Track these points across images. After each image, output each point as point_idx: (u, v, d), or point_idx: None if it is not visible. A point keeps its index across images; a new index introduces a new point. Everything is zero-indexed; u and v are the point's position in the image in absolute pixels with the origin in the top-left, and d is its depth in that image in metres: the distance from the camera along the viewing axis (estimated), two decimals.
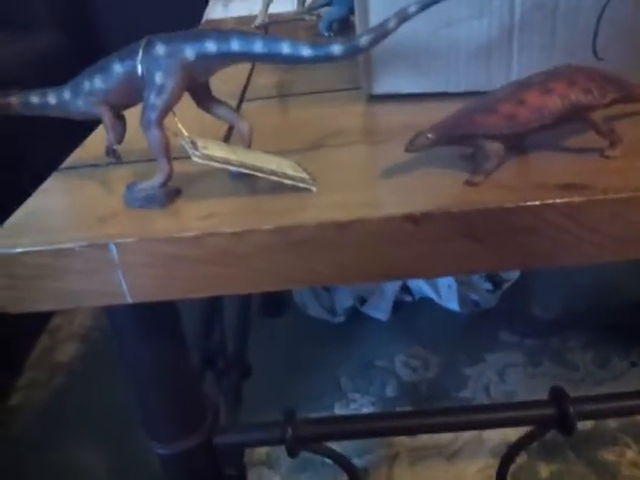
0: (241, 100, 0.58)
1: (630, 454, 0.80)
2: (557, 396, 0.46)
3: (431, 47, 0.48)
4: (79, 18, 1.40)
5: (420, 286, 1.11)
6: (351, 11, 0.69)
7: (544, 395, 0.48)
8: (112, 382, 0.98)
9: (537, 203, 0.32)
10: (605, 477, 0.77)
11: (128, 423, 0.86)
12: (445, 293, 1.09)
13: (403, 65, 0.49)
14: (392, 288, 1.10)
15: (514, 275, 1.13)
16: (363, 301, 1.10)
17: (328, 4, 0.84)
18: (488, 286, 1.11)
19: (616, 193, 0.32)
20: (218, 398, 0.52)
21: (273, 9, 0.91)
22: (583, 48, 0.47)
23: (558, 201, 0.32)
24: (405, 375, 0.97)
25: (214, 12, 1.06)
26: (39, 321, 1.16)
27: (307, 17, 0.92)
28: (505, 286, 1.11)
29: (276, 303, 1.13)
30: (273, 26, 0.90)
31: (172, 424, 0.43)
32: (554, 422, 0.46)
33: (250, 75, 0.67)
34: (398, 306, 1.10)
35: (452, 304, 1.08)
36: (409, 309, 1.11)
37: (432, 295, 1.11)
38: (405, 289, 1.12)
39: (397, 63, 0.49)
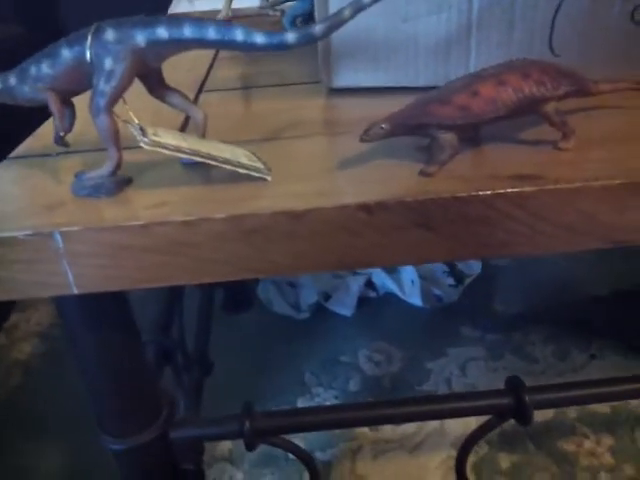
0: (200, 91, 0.57)
1: (588, 444, 0.82)
2: (514, 386, 0.47)
3: (390, 42, 0.48)
4: (43, 11, 1.37)
5: (384, 282, 1.12)
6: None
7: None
8: (71, 380, 0.96)
9: (489, 193, 0.32)
10: (564, 467, 0.79)
11: (88, 421, 0.84)
12: (409, 289, 1.10)
13: (362, 59, 0.49)
14: (356, 284, 1.10)
15: (476, 270, 1.15)
16: (328, 297, 1.10)
17: None
18: (450, 281, 1.12)
19: (567, 183, 0.33)
20: (176, 393, 0.51)
21: (237, 4, 0.90)
22: (540, 44, 0.47)
23: (509, 191, 0.32)
24: (368, 369, 0.97)
25: (179, 7, 1.05)
26: None
27: (271, 12, 0.91)
28: (467, 281, 1.12)
29: (240, 299, 1.12)
30: (236, 21, 0.89)
31: (125, 419, 0.43)
32: (511, 411, 0.46)
33: (211, 67, 0.66)
34: (362, 302, 1.10)
35: (415, 299, 1.09)
36: (373, 304, 1.11)
37: (396, 291, 1.11)
38: (369, 285, 1.13)
39: (357, 57, 0.49)
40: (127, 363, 0.41)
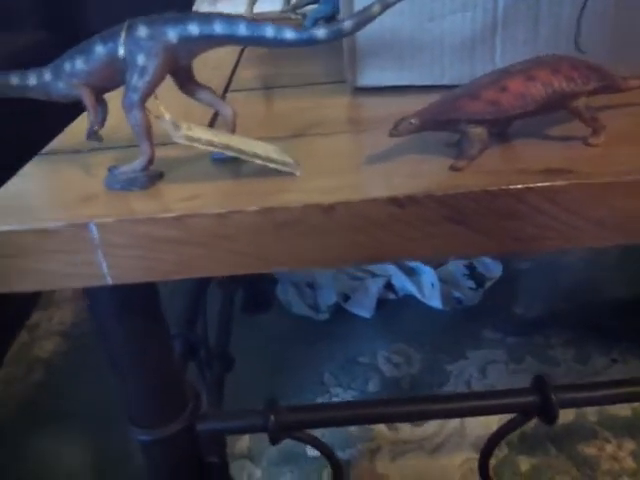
0: (226, 90, 0.57)
1: (610, 448, 0.81)
2: (540, 385, 0.47)
3: (415, 40, 0.48)
4: (64, 17, 1.39)
5: (404, 284, 1.12)
6: (336, 9, 0.70)
7: None
8: (92, 377, 0.97)
9: (520, 187, 0.32)
10: (585, 471, 0.78)
11: (107, 417, 0.85)
12: (428, 291, 1.10)
13: (388, 58, 0.49)
14: (376, 286, 1.10)
15: (497, 273, 1.14)
16: (347, 298, 1.10)
17: (314, 2, 0.84)
18: (471, 284, 1.11)
19: (598, 178, 0.33)
20: (200, 389, 0.51)
21: (259, 8, 0.91)
22: (566, 41, 0.47)
23: (541, 185, 0.32)
24: (387, 371, 0.97)
25: (201, 9, 1.06)
26: (17, 318, 1.15)
27: (293, 16, 0.92)
28: (488, 284, 1.12)
29: (259, 300, 1.13)
30: None
31: (153, 410, 0.43)
32: (536, 410, 0.46)
33: (235, 67, 0.67)
34: (381, 304, 1.10)
35: (435, 302, 1.09)
36: (392, 306, 1.11)
37: (415, 293, 1.11)
38: (389, 287, 1.13)
39: (382, 56, 0.49)
40: (156, 354, 0.41)
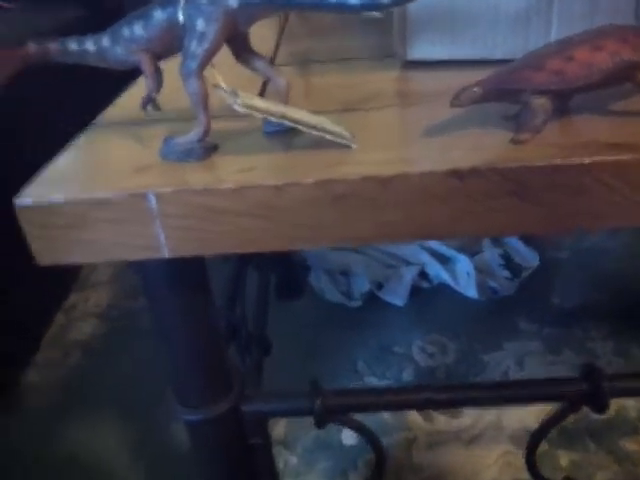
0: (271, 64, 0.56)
1: None
2: (589, 373, 0.45)
3: (469, 12, 0.47)
4: None
5: (438, 272, 1.10)
6: None
7: None
8: (129, 359, 0.98)
9: (587, 161, 0.31)
10: (627, 467, 0.76)
11: (145, 400, 0.85)
12: (464, 280, 1.08)
13: (439, 31, 0.48)
14: (409, 274, 1.09)
15: (534, 263, 1.12)
16: (380, 286, 1.09)
17: None
18: (507, 274, 1.10)
19: None
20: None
21: None
22: (624, 16, 0.45)
23: (608, 159, 0.31)
24: (422, 360, 0.96)
25: None
26: (54, 299, 1.16)
27: None
28: (524, 275, 1.10)
29: (292, 287, 1.13)
30: None
31: (201, 389, 0.43)
32: (586, 399, 0.44)
33: (279, 42, 0.66)
34: (415, 292, 1.09)
35: (471, 291, 1.07)
36: (426, 295, 1.10)
37: (450, 282, 1.09)
38: (422, 275, 1.11)
39: (433, 29, 0.48)
40: (205, 331, 0.41)
